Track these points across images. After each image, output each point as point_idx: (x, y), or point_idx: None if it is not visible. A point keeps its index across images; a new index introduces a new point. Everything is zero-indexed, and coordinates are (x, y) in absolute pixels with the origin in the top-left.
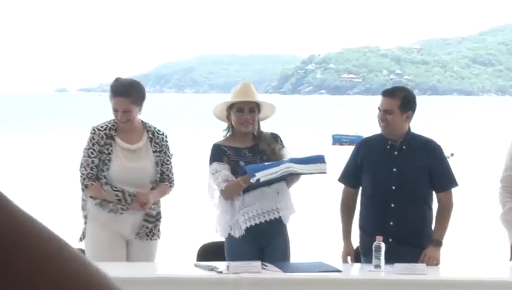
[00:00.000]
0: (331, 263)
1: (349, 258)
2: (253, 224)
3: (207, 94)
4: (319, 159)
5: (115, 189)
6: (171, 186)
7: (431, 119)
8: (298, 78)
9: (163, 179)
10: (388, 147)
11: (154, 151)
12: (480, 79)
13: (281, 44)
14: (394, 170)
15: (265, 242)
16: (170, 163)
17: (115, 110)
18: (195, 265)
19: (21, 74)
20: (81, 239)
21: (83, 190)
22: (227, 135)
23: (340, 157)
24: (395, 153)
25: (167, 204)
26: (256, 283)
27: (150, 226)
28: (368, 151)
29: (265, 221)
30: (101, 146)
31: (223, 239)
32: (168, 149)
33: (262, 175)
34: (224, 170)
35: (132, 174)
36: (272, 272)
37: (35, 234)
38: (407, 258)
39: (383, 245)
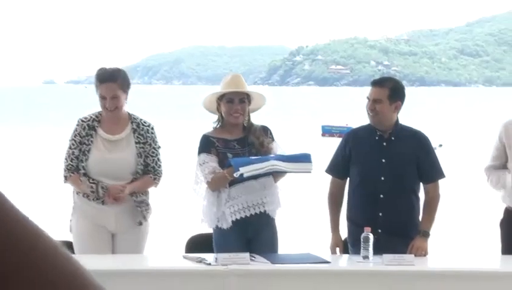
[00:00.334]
0: (320, 254)
1: (337, 249)
2: (238, 217)
3: (195, 86)
4: (305, 158)
5: (91, 181)
6: (155, 179)
7: (419, 110)
8: (286, 70)
9: (147, 171)
10: (377, 138)
11: (137, 143)
12: (467, 70)
13: (269, 35)
14: (383, 161)
15: (252, 234)
16: (156, 155)
17: (103, 98)
18: (184, 257)
19: (8, 66)
20: (71, 230)
21: (64, 181)
22: (217, 126)
23: (330, 149)
24: (384, 144)
25: (155, 196)
26: (245, 275)
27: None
28: (357, 142)
29: (251, 214)
30: (82, 137)
31: (211, 231)
32: (154, 141)
33: (246, 170)
34: (211, 161)
35: (110, 165)
36: (260, 264)
37: (31, 234)
38: (396, 249)
39: (371, 236)
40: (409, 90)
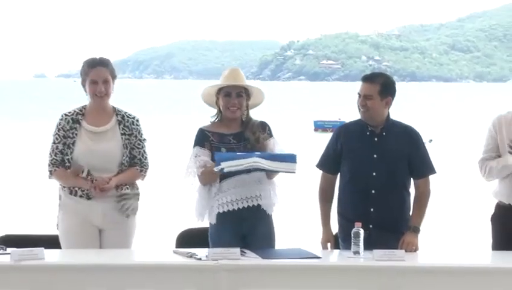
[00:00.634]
0: (310, 249)
1: (329, 244)
2: (226, 210)
3: (186, 80)
4: (290, 159)
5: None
6: (142, 171)
7: (410, 105)
8: (277, 65)
9: (134, 163)
10: (368, 133)
11: (123, 134)
12: (458, 65)
13: (261, 30)
14: (375, 156)
15: (247, 230)
16: (142, 147)
17: (94, 83)
18: (174, 252)
19: None
20: (58, 226)
21: (49, 176)
22: (216, 120)
23: (323, 144)
24: (375, 139)
25: (145, 189)
26: (235, 270)
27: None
28: (348, 137)
29: (244, 207)
30: (66, 131)
31: (202, 225)
32: (140, 133)
33: (226, 165)
34: (203, 155)
35: (96, 156)
36: (250, 259)
37: None
38: (388, 244)
39: (361, 231)
40: (400, 86)
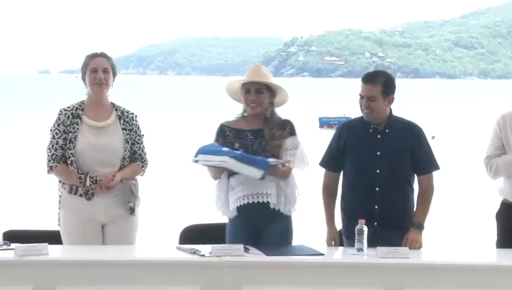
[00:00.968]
0: (314, 246)
1: (333, 242)
2: (238, 205)
3: (189, 76)
4: (261, 164)
5: (79, 172)
6: (143, 166)
7: (413, 102)
8: (281, 61)
9: (135, 158)
10: (371, 130)
11: (124, 129)
12: (462, 62)
13: (264, 26)
14: (378, 153)
15: (260, 225)
16: (142, 143)
17: (94, 71)
18: (177, 248)
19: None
20: (59, 223)
21: (48, 171)
22: (240, 116)
23: (329, 141)
24: (378, 136)
25: (149, 186)
26: (239, 266)
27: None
28: (351, 135)
29: (254, 203)
30: (67, 126)
31: (205, 222)
32: (139, 129)
33: (202, 159)
34: None
35: (98, 151)
36: (254, 256)
37: None
38: (392, 241)
39: (365, 228)
40: (403, 82)
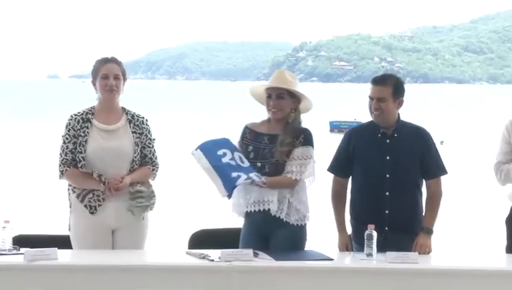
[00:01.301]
0: (323, 251)
1: (346, 247)
2: (248, 211)
3: (198, 81)
4: (228, 183)
5: (93, 172)
6: (154, 170)
7: (422, 107)
8: (289, 66)
9: (145, 162)
10: (379, 135)
11: (134, 132)
12: (471, 67)
13: (273, 31)
14: (387, 158)
15: (267, 232)
16: (153, 146)
17: (105, 77)
18: (187, 253)
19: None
20: (69, 229)
21: (59, 176)
22: (266, 119)
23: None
24: (387, 141)
25: (158, 190)
26: (248, 271)
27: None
28: (360, 140)
29: (260, 211)
30: (77, 130)
31: (214, 227)
32: (150, 133)
33: (196, 154)
34: None
35: (109, 154)
36: (263, 261)
37: None
38: (403, 245)
39: (375, 234)
40: (412, 87)
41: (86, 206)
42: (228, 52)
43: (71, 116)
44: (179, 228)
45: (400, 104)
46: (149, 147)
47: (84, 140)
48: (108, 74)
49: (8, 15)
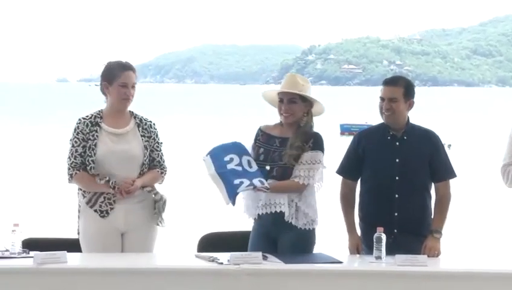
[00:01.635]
0: (332, 254)
1: (357, 249)
2: (259, 213)
3: (207, 84)
4: (231, 191)
5: (101, 178)
6: (162, 173)
7: (431, 110)
8: (298, 69)
9: (154, 165)
10: (389, 137)
11: (143, 136)
12: (480, 70)
13: (282, 34)
14: (397, 160)
15: (276, 235)
16: (160, 150)
17: (124, 86)
18: (196, 256)
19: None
20: (78, 232)
21: (69, 180)
22: (279, 122)
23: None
24: (397, 143)
25: (168, 193)
26: (257, 274)
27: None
28: (369, 142)
29: (271, 213)
30: (86, 134)
31: (223, 230)
32: (157, 136)
33: (206, 160)
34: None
35: (118, 157)
36: (272, 263)
37: None
38: (413, 248)
39: (383, 236)
40: (421, 90)
41: (96, 210)
42: (237, 55)
43: (79, 119)
44: (188, 231)
45: (411, 105)
46: (157, 151)
47: (93, 143)
48: (127, 83)
49: (19, 19)
